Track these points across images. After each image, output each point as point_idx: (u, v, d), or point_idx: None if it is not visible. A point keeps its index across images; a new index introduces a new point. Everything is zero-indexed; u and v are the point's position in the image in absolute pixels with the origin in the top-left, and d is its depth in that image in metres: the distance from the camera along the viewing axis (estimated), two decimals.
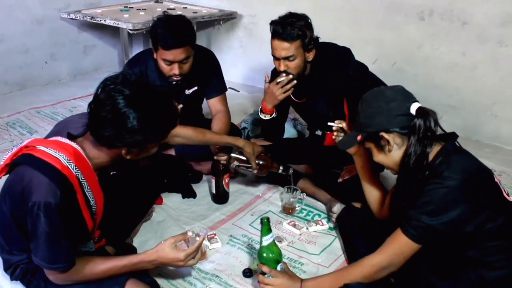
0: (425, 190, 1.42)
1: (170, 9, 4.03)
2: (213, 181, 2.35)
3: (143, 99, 1.40)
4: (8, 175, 1.53)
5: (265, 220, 1.58)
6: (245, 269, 1.92)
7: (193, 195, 2.46)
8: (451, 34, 3.08)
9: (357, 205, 2.09)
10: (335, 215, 2.17)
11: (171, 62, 2.23)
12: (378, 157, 1.59)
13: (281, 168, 2.25)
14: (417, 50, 3.22)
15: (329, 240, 2.14)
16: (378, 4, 3.31)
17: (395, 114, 1.49)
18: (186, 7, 4.09)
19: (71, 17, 3.85)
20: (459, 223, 1.40)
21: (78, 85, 4.00)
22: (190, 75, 2.34)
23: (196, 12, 3.92)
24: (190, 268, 1.88)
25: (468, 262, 1.47)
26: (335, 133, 1.86)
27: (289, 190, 2.30)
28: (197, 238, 1.70)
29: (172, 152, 2.56)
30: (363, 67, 2.28)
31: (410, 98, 1.51)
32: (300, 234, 2.17)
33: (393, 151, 1.53)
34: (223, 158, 2.25)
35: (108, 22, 3.59)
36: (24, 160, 1.44)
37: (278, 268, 1.61)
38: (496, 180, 1.50)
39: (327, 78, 2.26)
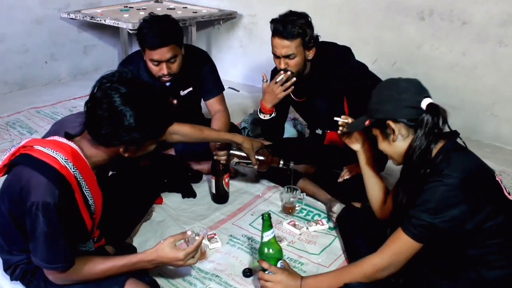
0: (425, 189, 1.42)
1: (170, 9, 4.03)
2: (213, 181, 2.34)
3: (139, 96, 1.40)
4: (6, 175, 1.53)
5: (266, 216, 1.59)
6: (245, 269, 1.92)
7: (193, 195, 2.46)
8: (451, 34, 3.08)
9: (357, 205, 2.09)
10: (335, 215, 2.17)
11: (158, 62, 2.23)
12: (382, 145, 1.60)
13: (281, 162, 2.25)
14: (417, 50, 3.22)
15: (329, 240, 2.14)
16: (378, 4, 3.32)
17: (405, 105, 1.49)
18: (186, 7, 4.09)
19: (71, 17, 3.85)
20: (459, 221, 1.40)
21: (78, 85, 4.00)
22: (183, 75, 2.33)
23: (196, 12, 3.92)
24: (190, 268, 1.88)
25: (469, 261, 1.47)
26: (340, 128, 1.86)
27: (289, 190, 2.30)
28: (197, 238, 1.70)
29: (172, 152, 2.56)
30: (363, 66, 2.28)
31: (423, 93, 1.52)
32: (300, 234, 2.17)
33: (397, 142, 1.54)
34: (222, 157, 2.25)
35: (108, 22, 3.59)
36: (22, 160, 1.44)
37: (278, 265, 1.62)
38: (497, 179, 1.50)
39: (327, 77, 2.26)
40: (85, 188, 1.50)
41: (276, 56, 2.22)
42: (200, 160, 2.57)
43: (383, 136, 1.58)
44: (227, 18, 4.03)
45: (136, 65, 2.35)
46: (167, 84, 2.36)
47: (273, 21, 2.18)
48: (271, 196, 2.47)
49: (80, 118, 1.52)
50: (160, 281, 1.78)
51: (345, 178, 2.31)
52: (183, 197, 2.45)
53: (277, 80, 2.23)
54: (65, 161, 1.42)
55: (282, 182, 2.42)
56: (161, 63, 2.23)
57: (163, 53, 2.20)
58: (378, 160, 1.90)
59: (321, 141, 2.49)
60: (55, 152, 1.42)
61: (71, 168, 1.43)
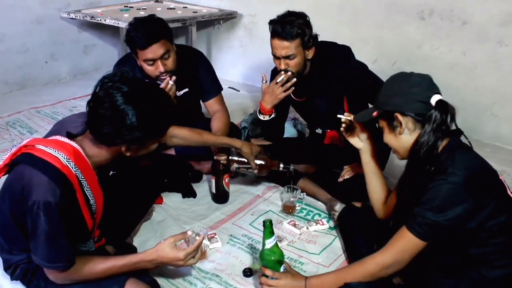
0: (430, 187, 1.42)
1: (170, 8, 4.04)
2: (213, 180, 2.34)
3: (141, 95, 1.41)
4: (7, 175, 1.53)
5: (268, 223, 1.58)
6: (245, 269, 1.92)
7: (193, 194, 2.46)
8: (451, 33, 3.08)
9: (358, 204, 2.10)
10: (337, 214, 2.17)
11: (153, 61, 2.22)
12: (388, 137, 1.60)
13: (281, 165, 2.25)
14: (417, 49, 3.22)
15: (329, 240, 2.14)
16: (378, 4, 3.32)
17: (415, 99, 1.50)
18: (186, 7, 4.09)
19: (71, 16, 3.85)
20: (463, 219, 1.40)
21: (78, 85, 4.00)
22: (178, 76, 2.31)
23: (196, 12, 3.92)
24: (190, 268, 1.88)
25: (470, 260, 1.47)
26: (343, 125, 1.86)
27: (289, 190, 2.30)
28: (197, 238, 1.70)
29: (172, 151, 2.55)
30: (363, 66, 2.28)
31: (434, 89, 1.52)
32: (300, 234, 2.17)
33: (403, 135, 1.54)
34: (223, 158, 2.25)
35: (108, 21, 3.59)
36: (24, 160, 1.44)
37: (281, 269, 1.61)
38: (500, 178, 1.51)
39: (327, 77, 2.26)
40: (87, 187, 1.50)
41: (276, 57, 2.22)
42: (200, 160, 2.57)
43: (389, 128, 1.58)
44: (227, 18, 4.03)
45: (132, 65, 2.35)
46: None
47: (271, 22, 2.18)
48: (271, 196, 2.47)
49: (82, 118, 1.52)
50: (160, 281, 1.78)
51: (345, 177, 2.31)
52: (183, 197, 2.45)
53: (278, 81, 2.23)
54: (67, 161, 1.43)
55: (282, 182, 2.42)
56: (155, 61, 2.22)
57: (155, 50, 2.19)
58: (379, 160, 1.89)
59: (321, 141, 2.49)
60: (57, 152, 1.42)
61: (72, 168, 1.44)
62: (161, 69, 2.23)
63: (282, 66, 2.20)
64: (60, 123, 1.64)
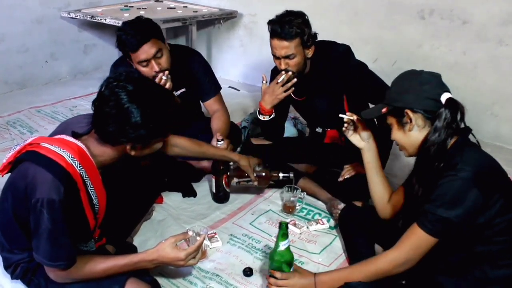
0: (440, 184, 1.42)
1: (170, 8, 4.04)
2: (214, 180, 2.34)
3: (145, 94, 1.43)
4: (9, 173, 1.53)
5: (284, 225, 1.59)
6: (245, 268, 1.92)
7: (193, 194, 2.46)
8: (451, 33, 3.08)
9: (358, 204, 2.10)
10: (338, 212, 2.17)
11: (146, 62, 2.22)
12: (397, 134, 1.60)
13: (281, 174, 2.26)
14: (417, 49, 3.22)
15: (329, 239, 2.14)
16: (378, 3, 3.31)
17: (425, 97, 1.50)
18: (186, 6, 4.09)
19: (71, 16, 3.85)
20: (473, 215, 1.40)
21: (78, 84, 4.00)
22: (174, 76, 2.30)
23: (196, 11, 3.92)
24: (190, 267, 1.88)
25: (475, 258, 1.47)
26: (345, 125, 1.86)
27: (289, 189, 2.30)
28: (198, 238, 1.70)
29: None
30: (362, 65, 2.28)
31: (444, 87, 1.53)
32: (300, 233, 2.17)
33: (412, 132, 1.55)
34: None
35: (108, 21, 3.59)
36: (28, 157, 1.45)
37: (290, 270, 1.62)
38: (509, 177, 1.51)
39: (327, 76, 2.26)
40: (90, 187, 1.51)
41: (276, 57, 2.22)
42: (200, 159, 2.57)
43: (399, 125, 1.58)
44: (228, 18, 4.03)
45: (128, 65, 2.34)
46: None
47: (270, 22, 2.18)
48: (271, 195, 2.47)
49: (87, 119, 1.53)
50: (160, 280, 1.78)
51: (345, 177, 2.31)
52: (184, 196, 2.45)
53: (279, 81, 2.23)
54: (71, 159, 1.43)
55: (280, 183, 2.43)
56: (149, 62, 2.22)
57: (146, 50, 2.19)
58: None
59: (322, 140, 2.49)
60: (62, 150, 1.43)
61: (77, 167, 1.44)
62: (156, 68, 2.23)
63: (283, 66, 2.20)
64: (65, 123, 1.65)
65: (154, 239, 2.08)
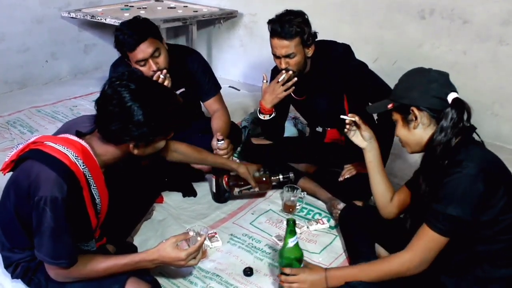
0: (446, 182, 1.42)
1: (171, 7, 4.04)
2: (214, 180, 2.34)
3: (148, 93, 1.44)
4: (11, 172, 1.54)
5: (291, 222, 1.60)
6: (245, 268, 1.92)
7: (193, 194, 2.46)
8: (451, 33, 3.08)
9: (359, 203, 2.09)
10: (338, 212, 2.17)
11: (144, 62, 2.22)
12: (401, 131, 1.61)
13: (281, 177, 2.26)
14: (418, 49, 3.22)
15: (329, 239, 2.14)
16: (378, 3, 3.31)
17: (432, 95, 1.51)
18: (186, 6, 4.09)
19: (71, 16, 3.85)
20: (480, 211, 1.40)
21: (78, 84, 4.00)
22: (173, 76, 2.30)
23: (196, 11, 3.92)
24: (190, 267, 1.88)
25: (476, 258, 1.48)
26: (347, 126, 1.86)
27: (289, 189, 2.30)
28: (199, 238, 1.70)
29: None
30: (363, 64, 2.28)
31: (451, 87, 1.53)
32: (300, 233, 2.17)
33: (417, 130, 1.55)
34: (223, 156, 2.25)
35: (109, 21, 3.59)
36: (32, 155, 1.45)
37: (301, 266, 1.63)
38: None
39: (327, 75, 2.26)
40: (93, 186, 1.51)
41: (276, 56, 2.22)
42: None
43: (403, 122, 1.59)
44: (228, 17, 4.02)
45: (128, 65, 2.34)
46: None
47: (270, 22, 2.18)
48: (271, 195, 2.46)
49: (91, 119, 1.54)
50: (161, 280, 1.78)
51: (346, 177, 2.31)
52: (184, 196, 2.45)
53: (279, 80, 2.23)
54: (75, 158, 1.44)
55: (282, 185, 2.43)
56: (147, 61, 2.22)
57: (143, 49, 2.20)
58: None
59: (322, 139, 2.49)
60: (66, 149, 1.44)
61: (80, 165, 1.45)
62: (154, 67, 2.23)
63: (283, 65, 2.20)
64: (69, 122, 1.66)
65: (154, 238, 2.08)
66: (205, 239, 1.71)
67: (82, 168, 1.45)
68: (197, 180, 2.56)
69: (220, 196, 2.39)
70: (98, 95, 1.51)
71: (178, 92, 2.46)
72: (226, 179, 2.33)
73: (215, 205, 2.38)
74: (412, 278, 1.52)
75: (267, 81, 2.34)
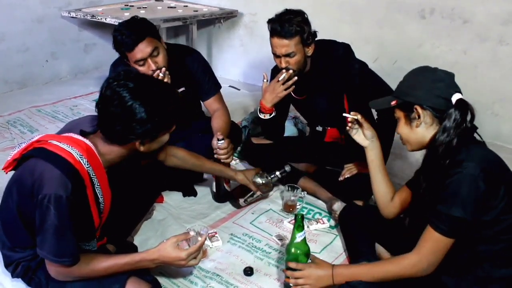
0: (448, 183, 1.42)
1: (171, 7, 4.04)
2: (214, 179, 2.34)
3: (147, 89, 1.45)
4: (13, 171, 1.54)
5: (300, 217, 1.61)
6: (246, 268, 1.92)
7: (193, 193, 2.46)
8: (452, 32, 3.08)
9: (359, 203, 2.09)
10: (337, 212, 2.17)
11: (143, 61, 2.22)
12: (403, 129, 1.60)
13: (277, 173, 2.24)
14: (418, 48, 3.22)
15: (329, 239, 2.14)
16: (378, 3, 3.31)
17: (437, 94, 1.50)
18: (186, 6, 4.09)
19: (71, 15, 3.85)
20: (482, 211, 1.40)
21: (78, 84, 4.00)
22: (173, 75, 2.30)
23: (196, 11, 3.92)
24: (191, 267, 1.88)
25: (478, 257, 1.48)
26: (349, 125, 1.86)
27: (290, 189, 2.30)
28: (199, 238, 1.70)
29: None
30: (363, 64, 2.29)
31: (456, 87, 1.53)
32: None
33: (419, 128, 1.55)
34: (223, 156, 2.25)
35: (109, 20, 3.59)
36: (37, 154, 1.45)
37: (309, 261, 1.63)
38: None
39: (327, 74, 2.26)
40: (97, 185, 1.51)
41: (276, 56, 2.22)
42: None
43: (406, 120, 1.58)
44: (228, 17, 4.02)
45: (127, 65, 2.34)
46: None
47: (270, 21, 2.19)
48: (272, 195, 2.46)
49: (95, 119, 1.54)
50: (161, 280, 1.78)
51: (346, 176, 2.31)
52: (184, 195, 2.45)
53: (280, 79, 2.23)
54: (79, 157, 1.44)
55: (283, 181, 2.43)
56: (145, 61, 2.22)
57: (142, 49, 2.20)
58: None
59: (322, 138, 2.49)
60: (71, 147, 1.44)
61: (85, 164, 1.45)
62: (153, 67, 2.23)
63: (283, 65, 2.20)
64: (72, 122, 1.66)
65: (155, 238, 2.08)
66: (205, 239, 1.70)
67: (87, 167, 1.46)
68: (197, 180, 2.55)
69: (220, 196, 2.39)
70: (98, 94, 1.51)
71: (178, 91, 2.46)
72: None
73: (215, 205, 2.38)
74: (413, 278, 1.52)
75: (267, 80, 2.34)
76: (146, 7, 4.00)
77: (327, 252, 2.05)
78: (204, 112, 2.75)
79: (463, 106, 1.48)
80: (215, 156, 2.27)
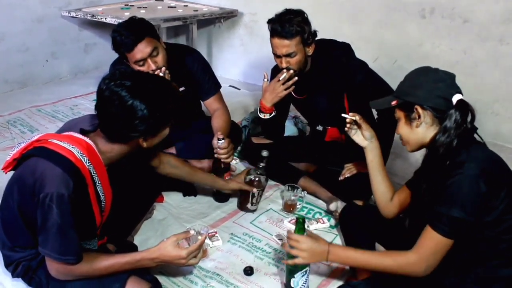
0: (449, 184, 1.41)
1: (171, 7, 4.04)
2: None
3: (144, 86, 1.45)
4: (13, 171, 1.54)
5: (301, 219, 1.61)
6: (246, 267, 1.92)
7: (194, 193, 2.46)
8: (452, 32, 3.08)
9: (359, 203, 2.09)
10: (335, 213, 2.17)
11: (143, 61, 2.22)
12: (403, 129, 1.60)
13: (261, 165, 2.22)
14: (418, 48, 3.22)
15: (330, 238, 2.13)
16: (378, 2, 3.31)
17: (437, 95, 1.50)
18: (187, 5, 4.09)
19: (71, 15, 3.85)
20: (483, 211, 1.40)
21: (79, 83, 4.00)
22: (173, 75, 2.30)
23: (197, 10, 3.92)
24: (191, 266, 1.88)
25: (479, 257, 1.47)
26: (348, 125, 1.86)
27: (290, 188, 2.30)
28: (199, 237, 1.70)
29: (173, 150, 2.55)
30: (363, 63, 2.29)
31: (457, 88, 1.53)
32: None
33: (420, 128, 1.55)
34: (223, 156, 2.25)
35: (109, 20, 3.58)
36: (37, 153, 1.45)
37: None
38: None
39: (327, 74, 2.26)
40: (98, 183, 1.51)
41: (277, 56, 2.22)
42: (201, 158, 2.56)
43: (406, 120, 1.58)
44: (228, 17, 4.02)
45: (127, 65, 2.34)
46: None
47: (270, 22, 2.19)
48: (272, 194, 2.47)
49: (95, 118, 1.55)
50: (161, 279, 1.78)
51: (345, 176, 2.31)
52: (184, 195, 2.45)
53: (280, 78, 2.23)
54: (80, 155, 1.44)
55: (283, 180, 2.42)
56: (145, 61, 2.22)
57: (141, 49, 2.20)
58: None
59: (322, 138, 2.49)
60: (71, 146, 1.44)
61: (86, 162, 1.45)
62: (153, 67, 2.23)
63: (284, 64, 2.20)
64: (72, 121, 1.66)
65: (155, 238, 2.08)
66: (205, 238, 1.70)
67: (88, 165, 1.46)
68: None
69: (220, 196, 2.39)
70: None
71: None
72: (226, 178, 2.33)
73: (216, 204, 2.38)
74: (413, 278, 1.52)
75: (267, 80, 2.34)
76: (146, 7, 4.00)
77: None
78: (204, 111, 2.75)
79: (464, 107, 1.48)
80: (216, 155, 2.28)
